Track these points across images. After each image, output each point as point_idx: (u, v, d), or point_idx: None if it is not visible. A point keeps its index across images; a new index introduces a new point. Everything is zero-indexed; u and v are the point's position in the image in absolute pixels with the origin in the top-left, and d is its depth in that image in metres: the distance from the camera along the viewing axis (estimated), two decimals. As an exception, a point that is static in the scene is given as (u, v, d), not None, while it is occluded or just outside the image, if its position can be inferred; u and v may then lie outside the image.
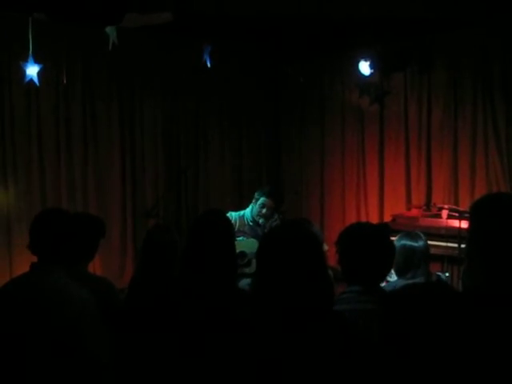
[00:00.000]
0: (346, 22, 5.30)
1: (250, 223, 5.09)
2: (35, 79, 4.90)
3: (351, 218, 6.38)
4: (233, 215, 5.12)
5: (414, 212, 5.72)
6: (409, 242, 2.96)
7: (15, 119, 5.51)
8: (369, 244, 2.20)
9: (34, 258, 2.31)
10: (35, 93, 5.56)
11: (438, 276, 3.14)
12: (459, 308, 1.44)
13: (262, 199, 4.99)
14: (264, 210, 5.00)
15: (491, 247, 1.56)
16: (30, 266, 2.31)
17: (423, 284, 1.98)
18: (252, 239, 4.98)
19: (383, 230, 2.39)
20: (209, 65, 5.63)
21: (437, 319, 1.40)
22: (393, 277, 3.07)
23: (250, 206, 5.13)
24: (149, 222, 5.67)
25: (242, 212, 5.17)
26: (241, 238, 5.04)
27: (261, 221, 5.06)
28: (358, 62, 6.01)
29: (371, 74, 6.06)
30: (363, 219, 6.31)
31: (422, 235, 3.09)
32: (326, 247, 4.10)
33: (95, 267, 5.54)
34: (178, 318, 2.31)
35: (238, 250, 4.78)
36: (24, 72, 4.90)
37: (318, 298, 1.74)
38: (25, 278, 2.33)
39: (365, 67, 6.00)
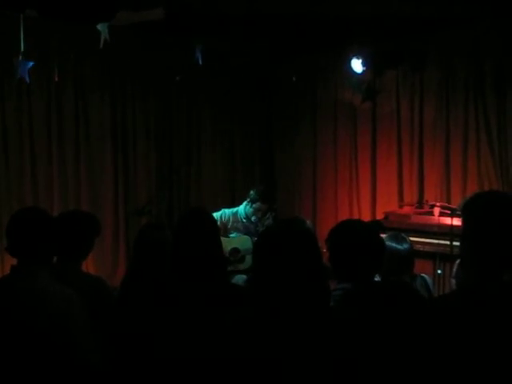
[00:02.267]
0: (339, 21, 5.30)
1: (244, 220, 5.11)
2: (26, 77, 4.87)
3: (344, 216, 6.38)
4: (226, 212, 5.14)
5: (406, 209, 5.74)
6: (394, 245, 2.95)
7: (6, 117, 5.48)
8: (358, 241, 2.21)
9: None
10: (26, 91, 5.54)
11: (423, 278, 3.14)
12: (421, 309, 1.45)
13: (257, 204, 5.02)
14: (259, 214, 5.05)
15: (483, 245, 1.57)
16: (10, 268, 2.26)
17: (379, 284, 1.99)
18: (245, 236, 5.02)
19: (373, 227, 2.40)
20: (200, 63, 5.61)
21: (389, 318, 1.41)
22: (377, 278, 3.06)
23: (244, 203, 5.14)
24: (141, 220, 5.67)
25: (235, 209, 5.19)
26: (234, 235, 5.06)
27: (253, 218, 5.10)
28: (351, 60, 6.02)
29: (363, 72, 6.07)
30: (356, 217, 6.32)
31: (407, 238, 3.08)
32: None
33: (88, 265, 5.52)
34: (172, 316, 2.31)
35: (231, 247, 4.84)
36: (15, 69, 4.87)
37: (316, 295, 1.74)
38: (4, 281, 2.29)
39: (357, 65, 6.01)
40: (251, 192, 5.09)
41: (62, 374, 2.11)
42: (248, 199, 5.09)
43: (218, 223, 4.91)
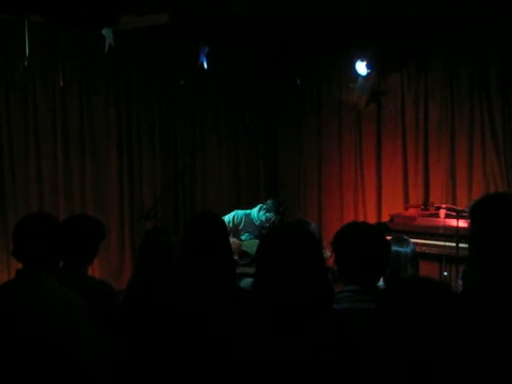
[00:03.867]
0: (343, 23, 5.30)
1: (256, 223, 5.14)
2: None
3: (349, 218, 6.37)
4: (239, 213, 5.16)
5: (412, 211, 5.72)
6: (395, 248, 2.94)
7: (12, 122, 5.50)
8: (364, 243, 2.20)
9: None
10: (32, 95, 5.56)
11: None
12: (453, 305, 1.44)
13: (272, 215, 5.02)
14: (268, 224, 5.07)
15: (492, 247, 1.57)
16: (16, 272, 2.27)
17: (415, 280, 1.98)
18: (255, 240, 5.00)
19: (379, 229, 2.39)
20: (206, 66, 5.62)
21: (430, 315, 1.40)
22: (381, 281, 3.06)
23: (258, 207, 5.15)
24: (146, 223, 5.67)
25: (248, 211, 5.20)
26: (244, 236, 5.07)
27: (258, 222, 5.12)
28: (355, 62, 6.02)
29: (368, 74, 6.07)
30: (361, 219, 6.31)
31: (409, 241, 3.07)
32: (328, 254, 4.10)
33: (93, 268, 5.54)
34: (177, 318, 2.31)
35: (241, 250, 4.84)
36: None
37: (318, 297, 1.74)
38: (10, 284, 2.29)
39: (362, 67, 6.01)
40: (269, 202, 5.11)
41: (64, 378, 2.11)
42: (264, 207, 5.09)
43: (231, 224, 4.94)
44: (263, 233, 4.99)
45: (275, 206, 5.05)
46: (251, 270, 4.76)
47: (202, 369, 2.14)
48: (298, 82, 6.66)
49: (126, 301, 2.91)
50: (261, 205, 5.15)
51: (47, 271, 2.24)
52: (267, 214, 5.04)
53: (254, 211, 5.15)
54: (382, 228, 2.55)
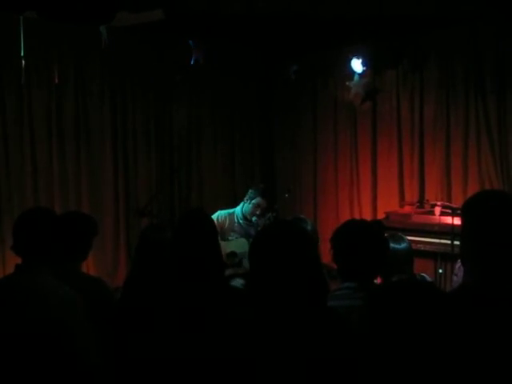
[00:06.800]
0: (338, 20, 5.30)
1: (241, 221, 5.03)
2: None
3: (344, 216, 6.38)
4: (222, 213, 5.05)
5: (407, 209, 5.74)
6: (392, 245, 2.95)
7: (7, 118, 5.48)
8: (363, 241, 2.21)
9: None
10: (27, 92, 5.54)
11: (422, 277, 3.13)
12: (443, 305, 1.45)
13: (257, 199, 4.94)
14: (258, 211, 4.97)
15: (485, 245, 1.57)
16: (15, 267, 2.28)
17: (406, 281, 1.99)
18: (242, 239, 4.89)
19: (377, 227, 2.40)
20: (200, 62, 5.60)
21: (420, 316, 1.41)
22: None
23: (242, 204, 5.07)
24: (142, 220, 5.67)
25: (231, 210, 5.10)
26: (231, 237, 4.98)
27: (253, 219, 5.01)
28: (351, 59, 6.02)
29: (363, 71, 6.07)
30: (356, 216, 6.32)
31: (405, 238, 3.08)
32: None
33: (88, 266, 5.52)
34: (174, 317, 2.31)
35: (228, 250, 4.75)
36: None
37: (312, 295, 1.74)
38: (8, 279, 2.30)
39: (357, 65, 6.01)
40: (250, 190, 5.05)
41: (63, 372, 2.11)
42: (246, 198, 5.03)
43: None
44: (254, 221, 4.94)
45: (256, 192, 4.98)
46: (240, 271, 4.69)
47: (197, 366, 2.14)
48: (293, 77, 6.66)
49: (124, 298, 2.92)
50: (243, 202, 5.07)
51: (46, 266, 2.25)
52: (253, 201, 4.95)
53: (238, 209, 5.07)
54: (380, 225, 2.55)
